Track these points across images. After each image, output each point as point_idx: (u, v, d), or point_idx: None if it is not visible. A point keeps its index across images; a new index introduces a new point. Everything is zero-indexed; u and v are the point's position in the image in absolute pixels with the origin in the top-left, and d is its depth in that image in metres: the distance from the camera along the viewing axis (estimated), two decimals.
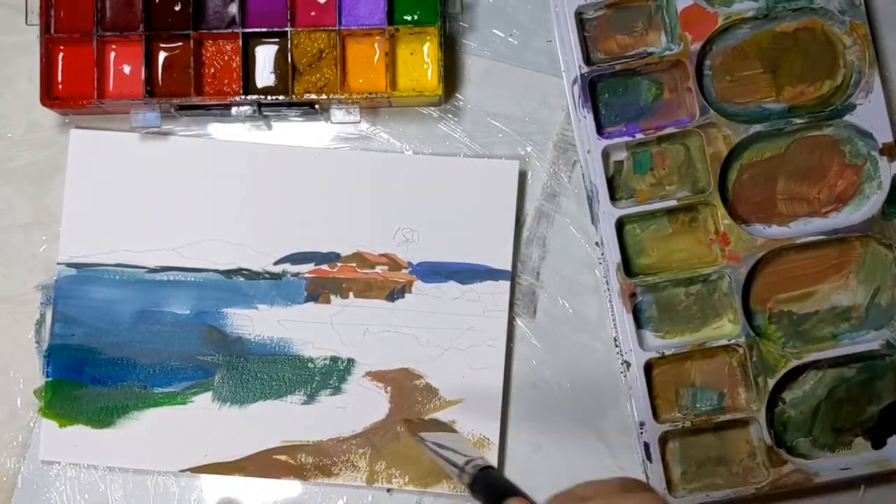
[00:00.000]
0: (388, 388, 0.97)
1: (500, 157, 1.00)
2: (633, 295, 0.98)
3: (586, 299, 1.00)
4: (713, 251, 1.00)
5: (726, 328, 1.00)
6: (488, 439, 0.96)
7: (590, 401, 0.99)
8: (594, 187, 0.98)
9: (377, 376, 0.97)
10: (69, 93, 0.98)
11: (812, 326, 1.00)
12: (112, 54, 0.98)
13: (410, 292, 0.98)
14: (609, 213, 0.98)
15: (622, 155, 1.00)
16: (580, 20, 1.00)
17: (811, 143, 1.01)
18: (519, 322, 0.99)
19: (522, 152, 1.00)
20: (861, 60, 1.00)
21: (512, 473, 0.97)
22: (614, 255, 0.98)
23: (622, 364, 0.98)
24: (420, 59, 0.99)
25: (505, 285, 0.98)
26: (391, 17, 0.98)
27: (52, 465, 0.98)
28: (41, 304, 0.99)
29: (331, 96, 0.97)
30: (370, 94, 0.97)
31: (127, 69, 0.98)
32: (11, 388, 0.98)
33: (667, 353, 0.98)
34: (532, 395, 0.99)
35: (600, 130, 0.99)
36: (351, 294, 0.98)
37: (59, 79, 0.98)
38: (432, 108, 1.01)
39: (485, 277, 0.98)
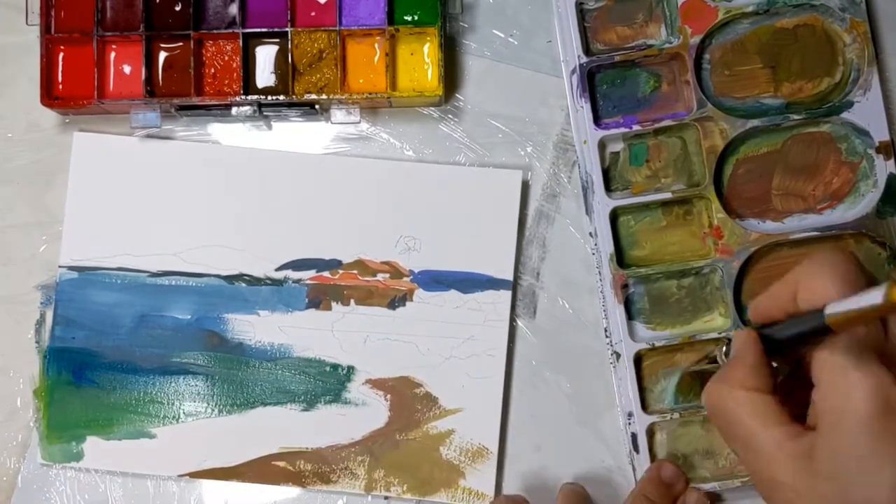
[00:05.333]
0: (388, 396, 0.97)
1: (500, 158, 1.00)
2: (624, 286, 0.99)
3: (586, 300, 1.00)
4: (706, 244, 1.00)
5: (717, 321, 1.00)
6: (487, 449, 0.97)
7: (590, 401, 0.99)
8: (589, 178, 0.98)
9: (377, 384, 0.98)
10: (69, 93, 0.97)
11: None
12: (112, 54, 0.98)
13: (412, 300, 0.98)
14: (604, 203, 0.98)
15: (618, 146, 1.00)
16: (580, 10, 1.00)
17: (808, 139, 1.01)
18: (519, 322, 0.99)
19: (522, 153, 1.00)
20: (860, 58, 1.00)
21: (512, 473, 0.98)
22: (607, 246, 0.98)
23: (612, 354, 0.98)
24: (420, 60, 0.99)
25: (506, 295, 0.98)
26: (391, 18, 0.97)
27: (52, 466, 0.98)
28: (41, 304, 0.99)
29: (331, 96, 0.97)
30: (370, 94, 0.97)
31: (127, 69, 0.98)
32: (11, 389, 0.99)
33: (657, 344, 0.98)
34: (532, 395, 0.99)
35: (597, 121, 0.99)
36: (352, 301, 0.98)
37: (60, 79, 0.97)
38: (432, 109, 1.01)
39: (486, 287, 0.98)
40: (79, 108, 0.97)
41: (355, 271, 0.98)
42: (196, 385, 0.98)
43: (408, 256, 0.98)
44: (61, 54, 0.98)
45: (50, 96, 0.97)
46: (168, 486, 0.99)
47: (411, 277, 0.98)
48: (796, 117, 0.99)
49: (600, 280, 0.99)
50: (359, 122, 0.98)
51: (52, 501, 0.98)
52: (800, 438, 0.72)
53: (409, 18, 0.98)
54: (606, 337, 0.99)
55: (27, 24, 0.96)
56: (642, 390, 0.99)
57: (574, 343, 1.00)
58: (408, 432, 0.97)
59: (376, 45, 0.98)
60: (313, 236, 0.98)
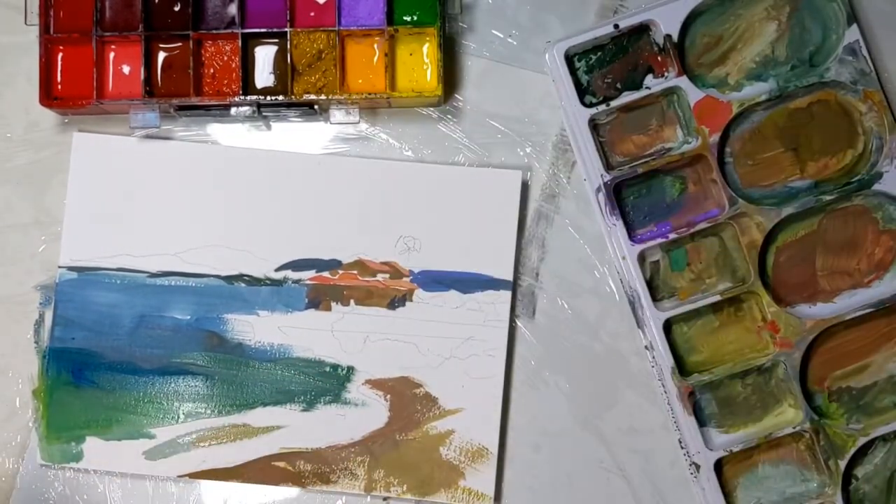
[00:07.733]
0: (388, 397, 0.98)
1: (499, 158, 1.00)
2: (691, 394, 0.98)
3: (585, 300, 1.00)
4: (763, 338, 0.99)
5: (788, 413, 0.99)
6: (487, 449, 0.97)
7: (589, 401, 1.00)
8: (635, 293, 0.98)
9: (377, 384, 0.98)
10: (68, 93, 0.97)
11: (873, 398, 0.99)
12: (111, 54, 0.98)
13: (411, 301, 0.98)
14: (655, 316, 0.98)
15: (657, 255, 1.00)
16: (594, 125, 0.99)
17: (842, 214, 1.00)
18: (518, 322, 1.00)
19: (521, 153, 1.00)
20: (880, 126, 0.99)
21: (512, 474, 0.99)
22: (667, 359, 0.97)
23: (691, 466, 0.97)
24: (419, 60, 0.99)
25: (506, 295, 0.98)
26: (390, 18, 0.97)
27: (51, 466, 0.98)
28: (40, 304, 0.99)
29: (330, 97, 0.97)
30: (369, 94, 0.97)
31: (126, 69, 0.98)
32: (10, 389, 0.99)
33: (734, 450, 0.98)
34: (531, 395, 0.99)
35: (631, 234, 0.99)
36: (352, 301, 0.98)
37: (59, 79, 0.98)
38: (432, 109, 1.01)
39: (486, 287, 0.98)
40: (78, 108, 0.97)
41: (355, 271, 0.98)
42: (196, 385, 0.98)
43: (407, 256, 0.98)
44: (60, 54, 0.98)
45: (49, 96, 0.97)
46: (167, 487, 0.99)
47: (411, 277, 0.98)
48: (828, 197, 0.99)
49: (665, 393, 0.98)
50: (358, 123, 0.98)
51: (51, 502, 0.98)
52: None
53: (409, 19, 0.98)
54: (682, 449, 0.98)
55: (26, 23, 0.96)
56: (727, 495, 0.98)
57: (573, 343, 1.00)
58: (408, 432, 0.98)
59: (375, 46, 0.98)
60: (313, 236, 0.98)
